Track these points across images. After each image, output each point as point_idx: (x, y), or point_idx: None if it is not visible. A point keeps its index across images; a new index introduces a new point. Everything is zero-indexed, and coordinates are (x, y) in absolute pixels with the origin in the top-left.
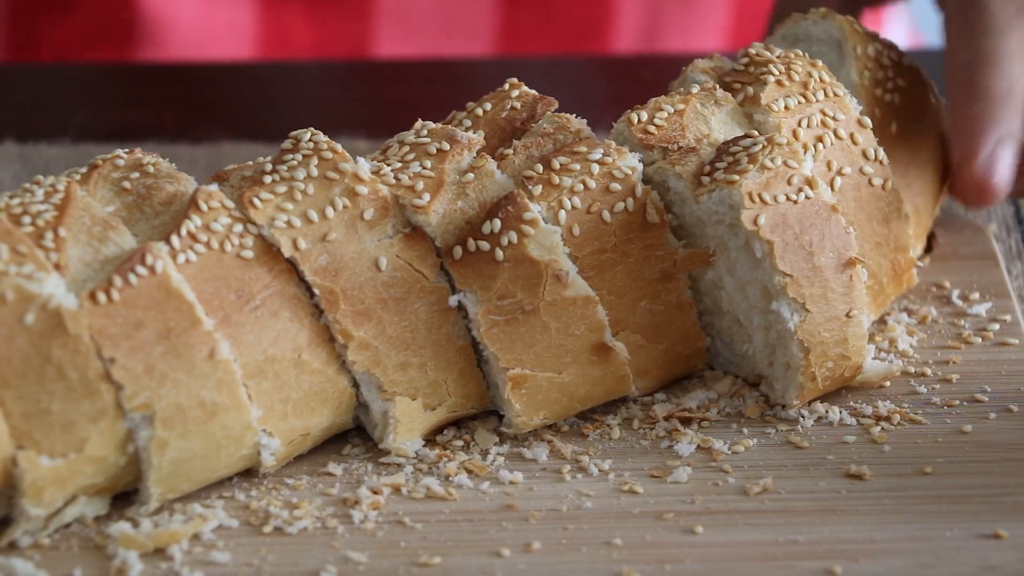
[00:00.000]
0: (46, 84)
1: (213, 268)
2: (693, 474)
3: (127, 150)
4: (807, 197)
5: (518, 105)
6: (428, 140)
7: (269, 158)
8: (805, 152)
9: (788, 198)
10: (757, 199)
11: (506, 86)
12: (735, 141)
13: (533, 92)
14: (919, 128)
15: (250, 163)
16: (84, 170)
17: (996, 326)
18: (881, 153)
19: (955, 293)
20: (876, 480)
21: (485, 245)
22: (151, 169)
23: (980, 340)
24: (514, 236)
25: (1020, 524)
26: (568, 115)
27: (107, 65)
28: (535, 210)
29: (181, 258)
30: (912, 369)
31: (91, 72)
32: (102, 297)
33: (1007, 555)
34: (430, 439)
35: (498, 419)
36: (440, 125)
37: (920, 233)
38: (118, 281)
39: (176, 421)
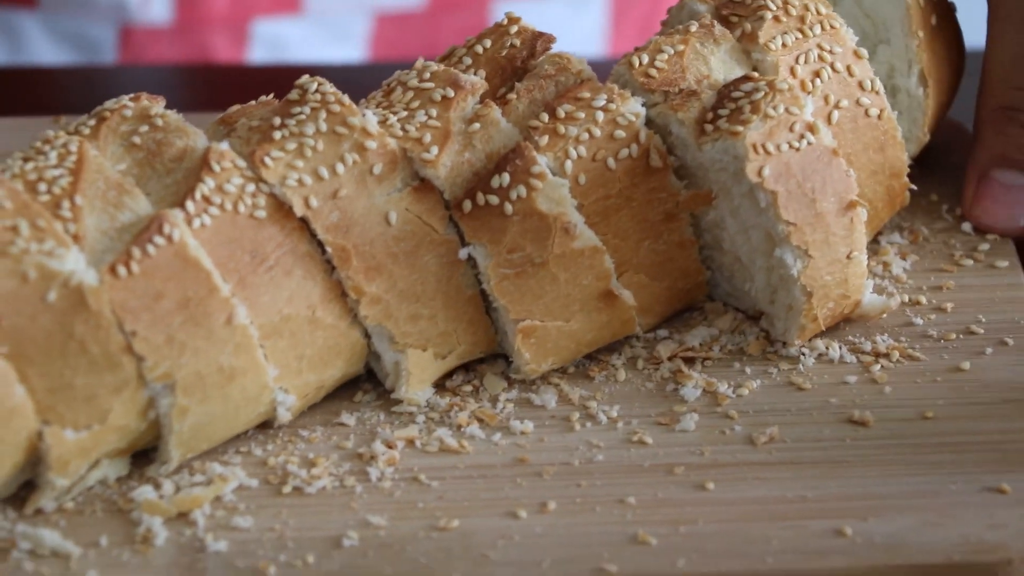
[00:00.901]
0: None
1: (228, 230)
2: (700, 421)
3: (131, 96)
4: (809, 143)
5: (518, 42)
6: (432, 85)
7: (275, 102)
8: (805, 93)
9: (791, 146)
10: (761, 150)
11: (504, 20)
12: (736, 85)
13: (532, 27)
14: (950, 28)
15: (253, 103)
16: (92, 123)
17: (986, 245)
18: (878, 84)
19: (944, 208)
20: (879, 427)
21: (494, 199)
22: (159, 122)
23: (971, 263)
24: (523, 190)
25: (1022, 476)
26: (568, 54)
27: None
28: (543, 163)
29: (196, 223)
30: (907, 297)
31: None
32: (122, 270)
33: (1012, 512)
34: (439, 384)
35: (506, 362)
36: (442, 67)
37: (933, 126)
38: (137, 253)
39: (196, 388)
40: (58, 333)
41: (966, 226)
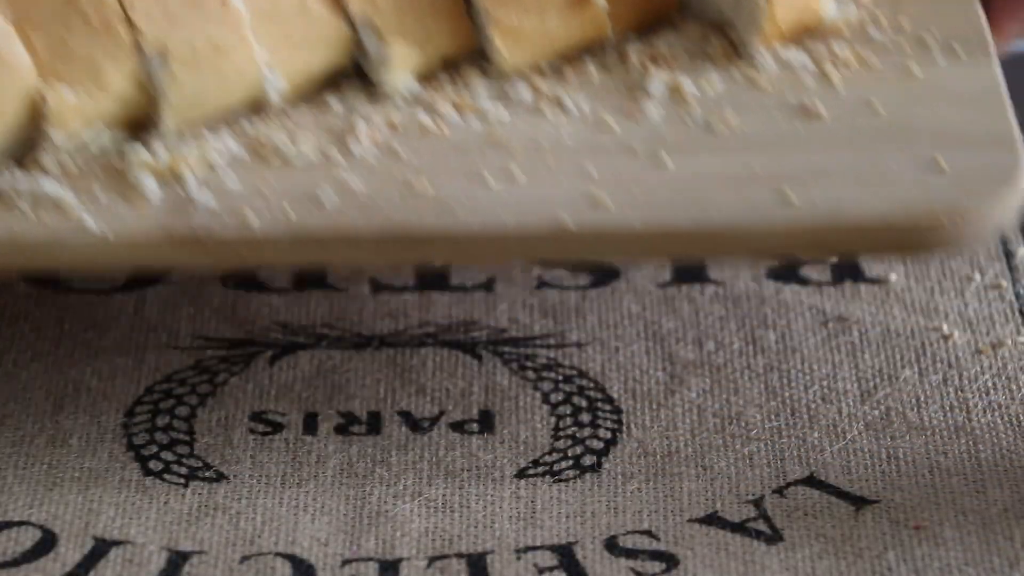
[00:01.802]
0: None
1: None
2: (663, 112)
3: None
4: None
5: None
6: None
7: None
8: None
9: None
10: None
11: None
12: None
13: None
14: None
15: None
16: None
17: None
18: None
19: None
20: (831, 118)
21: None
22: None
23: None
24: None
25: (959, 155)
26: None
27: None
28: None
29: None
30: (866, 15)
31: None
32: None
33: (947, 185)
34: (421, 78)
35: (485, 60)
36: None
37: None
38: None
39: (189, 60)
40: (59, 1)
41: None
